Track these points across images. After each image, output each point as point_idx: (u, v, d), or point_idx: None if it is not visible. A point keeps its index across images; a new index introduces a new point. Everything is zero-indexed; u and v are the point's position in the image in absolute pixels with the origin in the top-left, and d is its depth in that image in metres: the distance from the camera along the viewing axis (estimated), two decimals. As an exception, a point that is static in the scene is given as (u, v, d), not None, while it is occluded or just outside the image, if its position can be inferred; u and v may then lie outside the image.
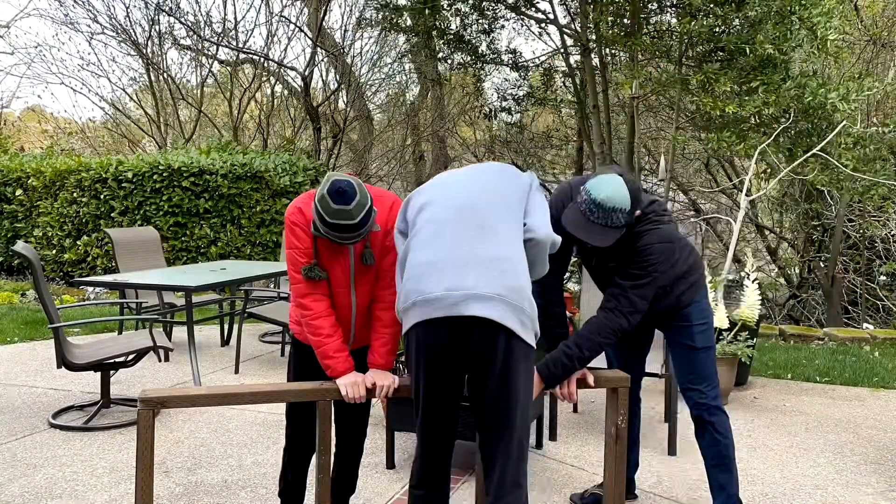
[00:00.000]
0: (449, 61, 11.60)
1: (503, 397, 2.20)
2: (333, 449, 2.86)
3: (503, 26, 11.18)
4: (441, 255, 2.22)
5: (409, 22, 10.67)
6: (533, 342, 2.26)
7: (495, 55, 11.07)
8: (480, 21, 10.54)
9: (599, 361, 4.38)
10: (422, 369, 2.26)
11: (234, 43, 12.77)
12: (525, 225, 2.36)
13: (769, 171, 8.59)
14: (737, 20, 7.13)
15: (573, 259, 6.90)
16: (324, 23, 11.71)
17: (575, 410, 4.79)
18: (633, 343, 3.27)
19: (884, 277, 9.79)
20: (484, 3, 10.10)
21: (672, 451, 4.00)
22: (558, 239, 2.43)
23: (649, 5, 8.55)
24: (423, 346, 2.23)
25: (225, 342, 6.60)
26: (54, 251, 9.88)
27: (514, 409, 2.22)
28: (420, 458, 2.37)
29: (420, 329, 2.22)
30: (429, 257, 2.24)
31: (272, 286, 7.15)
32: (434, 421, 2.31)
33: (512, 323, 2.17)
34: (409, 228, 2.41)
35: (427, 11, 9.81)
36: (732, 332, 5.02)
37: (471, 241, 2.23)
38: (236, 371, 5.61)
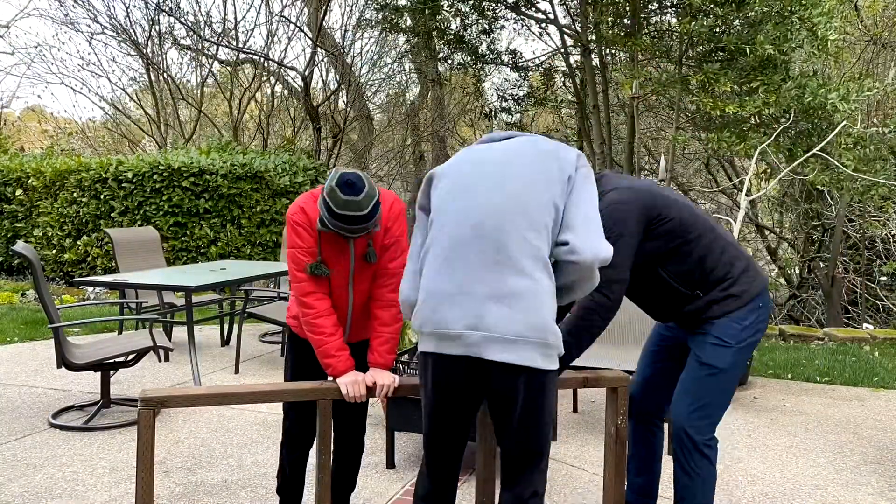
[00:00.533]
0: (449, 61, 11.62)
1: (529, 431, 2.11)
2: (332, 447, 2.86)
3: (503, 27, 11.20)
4: (458, 286, 2.07)
5: (409, 22, 10.68)
6: (556, 364, 2.11)
7: (495, 55, 11.08)
8: (480, 21, 10.56)
9: (598, 363, 4.39)
10: (434, 393, 2.17)
11: (234, 43, 12.78)
12: (566, 245, 2.08)
13: (769, 171, 8.59)
14: (737, 20, 7.14)
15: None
16: (324, 23, 11.71)
17: (575, 410, 4.79)
18: (672, 365, 2.95)
19: (884, 277, 9.80)
20: (484, 3, 10.10)
21: (672, 451, 3.99)
22: (610, 251, 2.10)
23: (649, 5, 8.56)
24: (437, 377, 2.14)
25: (225, 342, 6.60)
26: (54, 251, 9.88)
27: (540, 437, 2.14)
28: (427, 474, 2.29)
29: (435, 359, 2.12)
30: (445, 286, 2.09)
31: (272, 286, 7.16)
32: (443, 444, 2.24)
33: (534, 362, 2.04)
34: (430, 205, 2.26)
35: (427, 12, 9.82)
36: (732, 332, 5.02)
37: (491, 272, 2.04)
38: (236, 371, 5.61)
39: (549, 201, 2.10)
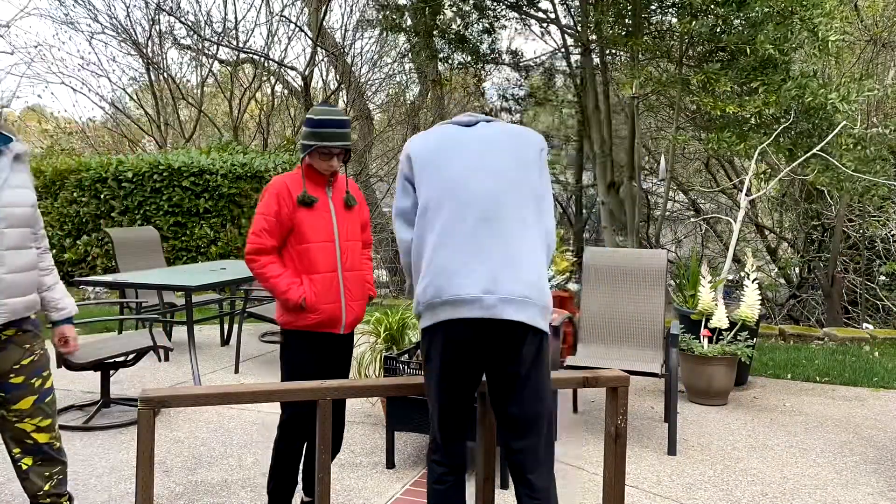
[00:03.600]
0: (449, 61, 11.63)
1: (534, 393, 2.26)
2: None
3: (504, 26, 11.21)
4: (471, 257, 2.22)
5: (409, 22, 10.69)
6: (548, 328, 2.32)
7: (496, 55, 11.09)
8: (481, 20, 10.57)
9: (606, 363, 4.38)
10: (445, 364, 2.28)
11: (235, 42, 12.78)
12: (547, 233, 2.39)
13: (769, 171, 8.59)
14: (737, 20, 7.13)
15: (573, 259, 6.82)
16: (324, 23, 11.72)
17: (575, 410, 4.79)
18: None
19: (884, 277, 9.79)
20: (485, 3, 10.11)
21: (672, 451, 4.00)
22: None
23: (650, 5, 8.56)
24: (450, 342, 2.24)
25: (225, 342, 6.60)
26: (54, 251, 9.87)
27: (544, 399, 2.29)
28: (440, 450, 2.40)
29: (449, 325, 2.23)
30: (458, 259, 2.22)
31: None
32: (453, 412, 2.35)
33: (540, 322, 2.22)
34: (414, 177, 2.38)
35: (428, 11, 9.83)
36: (732, 332, 5.03)
37: (498, 246, 2.23)
38: (236, 371, 5.61)
39: (533, 173, 2.36)
